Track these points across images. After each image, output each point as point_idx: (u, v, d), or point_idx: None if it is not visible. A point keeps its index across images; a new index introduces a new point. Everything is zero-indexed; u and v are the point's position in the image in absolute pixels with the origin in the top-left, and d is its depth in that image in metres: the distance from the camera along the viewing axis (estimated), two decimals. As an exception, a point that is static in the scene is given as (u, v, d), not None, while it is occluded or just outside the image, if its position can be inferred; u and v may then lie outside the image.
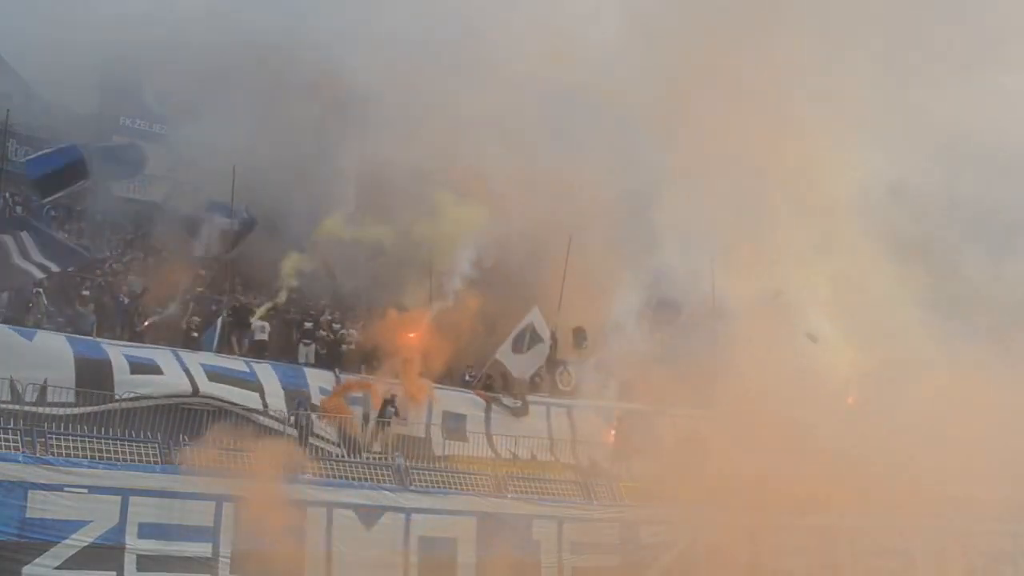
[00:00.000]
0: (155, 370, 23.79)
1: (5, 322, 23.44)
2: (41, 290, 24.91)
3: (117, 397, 23.01)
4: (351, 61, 28.30)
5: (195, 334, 26.15)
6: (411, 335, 26.87)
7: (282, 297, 28.36)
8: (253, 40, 29.14)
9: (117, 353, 23.64)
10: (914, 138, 30.91)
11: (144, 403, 23.26)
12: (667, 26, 28.36)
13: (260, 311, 27.52)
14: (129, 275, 27.72)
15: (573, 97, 28.79)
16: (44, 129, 29.85)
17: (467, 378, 28.17)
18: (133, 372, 23.44)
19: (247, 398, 24.48)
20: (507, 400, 27.76)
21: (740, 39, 28.69)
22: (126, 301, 26.41)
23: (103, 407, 22.85)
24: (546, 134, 28.74)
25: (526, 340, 28.29)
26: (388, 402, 25.99)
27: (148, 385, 23.45)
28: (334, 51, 28.55)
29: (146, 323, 25.97)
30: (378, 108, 28.36)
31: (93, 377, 23.02)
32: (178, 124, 30.58)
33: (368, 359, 27.15)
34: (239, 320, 27.29)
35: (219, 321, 26.59)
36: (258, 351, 26.59)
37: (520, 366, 28.35)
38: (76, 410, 22.60)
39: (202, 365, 24.50)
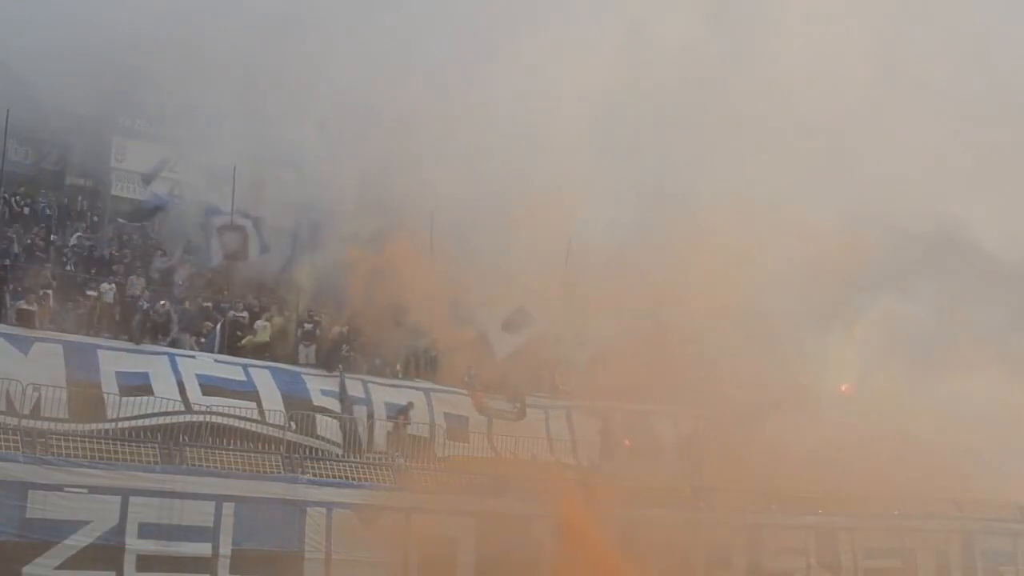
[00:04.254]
0: (146, 389, 23.57)
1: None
2: (49, 292, 24.85)
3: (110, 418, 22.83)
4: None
5: (198, 337, 26.14)
6: None
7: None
8: (252, 39, 29.13)
9: (109, 369, 23.43)
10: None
11: (137, 423, 23.06)
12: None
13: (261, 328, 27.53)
14: (128, 276, 27.70)
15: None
16: (44, 129, 29.84)
17: (466, 379, 28.14)
18: (123, 395, 23.19)
19: (243, 409, 24.26)
20: (503, 405, 27.77)
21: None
22: (133, 304, 26.37)
23: (95, 426, 22.68)
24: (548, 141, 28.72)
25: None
26: (407, 407, 26.11)
27: (139, 407, 23.20)
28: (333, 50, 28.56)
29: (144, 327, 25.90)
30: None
31: (84, 403, 22.79)
32: (177, 124, 30.55)
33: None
34: (238, 323, 27.25)
35: (218, 327, 26.50)
36: (259, 352, 26.49)
37: (505, 345, 28.41)
38: (70, 426, 22.42)
39: (197, 376, 24.34)
